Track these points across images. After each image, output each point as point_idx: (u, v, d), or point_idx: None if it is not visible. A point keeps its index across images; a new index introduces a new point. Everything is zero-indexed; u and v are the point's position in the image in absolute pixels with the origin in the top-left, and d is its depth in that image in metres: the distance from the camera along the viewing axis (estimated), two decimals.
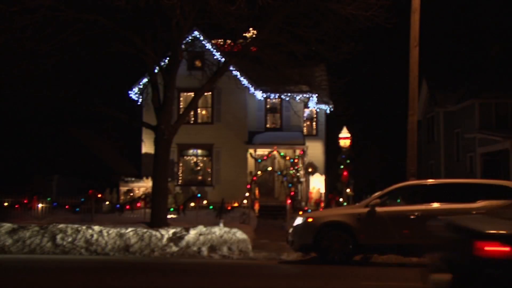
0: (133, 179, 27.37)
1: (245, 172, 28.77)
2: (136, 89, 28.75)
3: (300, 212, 21.87)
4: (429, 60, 54.65)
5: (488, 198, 12.60)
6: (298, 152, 29.30)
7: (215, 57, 25.79)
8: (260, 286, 9.89)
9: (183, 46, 20.58)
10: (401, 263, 13.72)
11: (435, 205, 12.87)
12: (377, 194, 13.49)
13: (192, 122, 29.13)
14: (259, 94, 29.43)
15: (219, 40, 29.18)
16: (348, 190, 27.25)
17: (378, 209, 12.99)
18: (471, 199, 12.72)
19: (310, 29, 18.43)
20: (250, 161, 29.12)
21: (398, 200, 13.94)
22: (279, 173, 29.08)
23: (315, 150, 30.90)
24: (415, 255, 13.44)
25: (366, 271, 12.39)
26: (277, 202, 28.28)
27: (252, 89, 29.00)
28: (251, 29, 21.49)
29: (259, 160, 29.12)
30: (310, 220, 13.48)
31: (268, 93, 29.29)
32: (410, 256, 13.52)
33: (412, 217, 12.77)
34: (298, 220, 13.75)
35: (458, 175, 31.08)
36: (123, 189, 26.43)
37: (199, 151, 29.73)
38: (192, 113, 27.77)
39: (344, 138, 26.84)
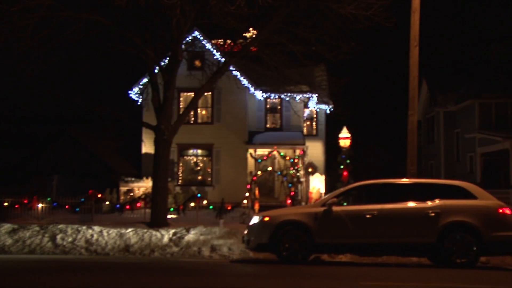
0: (133, 179, 27.36)
1: (245, 172, 28.76)
2: (136, 89, 28.75)
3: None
4: (429, 60, 54.73)
5: (444, 198, 12.82)
6: (298, 152, 29.30)
7: (215, 57, 25.80)
8: (259, 286, 9.88)
9: (183, 46, 20.59)
10: (400, 263, 13.72)
11: (391, 204, 12.89)
12: (334, 193, 13.47)
13: (192, 122, 29.12)
14: (259, 94, 29.43)
15: (219, 40, 29.17)
16: None
17: (335, 208, 12.92)
18: (427, 198, 12.85)
19: (310, 29, 18.45)
20: (250, 161, 29.11)
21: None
22: (279, 173, 29.06)
23: (315, 150, 30.89)
24: (371, 255, 13.48)
25: (372, 271, 12.39)
26: (277, 202, 28.25)
27: (252, 89, 28.99)
28: (251, 29, 21.51)
29: (259, 160, 29.11)
30: (266, 219, 13.20)
31: (268, 93, 29.29)
32: (366, 255, 13.57)
33: (368, 216, 12.75)
34: (255, 219, 13.49)
35: (458, 175, 31.09)
36: (123, 189, 26.43)
37: (199, 151, 29.72)
38: (192, 113, 27.77)
39: (344, 138, 26.84)
